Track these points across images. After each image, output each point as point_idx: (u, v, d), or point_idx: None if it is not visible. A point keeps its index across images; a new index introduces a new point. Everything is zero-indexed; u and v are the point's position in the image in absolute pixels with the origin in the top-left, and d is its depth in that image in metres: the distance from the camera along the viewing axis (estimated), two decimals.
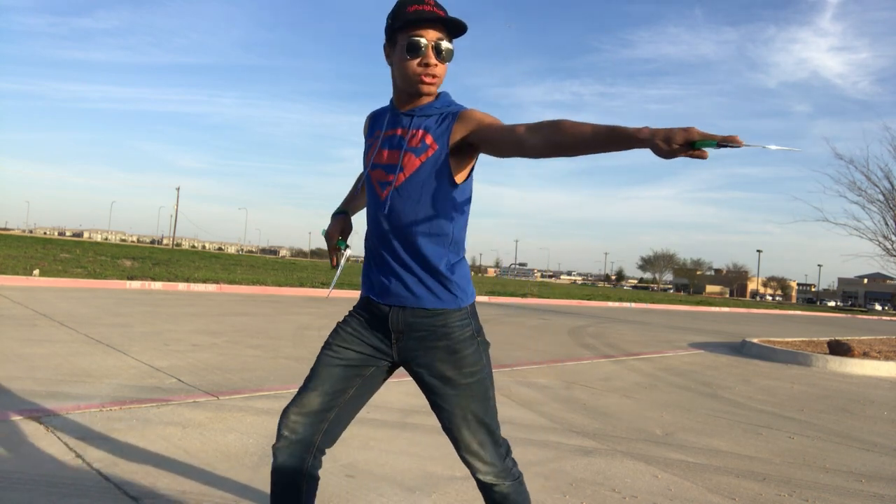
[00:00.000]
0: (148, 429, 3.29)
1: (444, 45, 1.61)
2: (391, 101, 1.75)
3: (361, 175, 1.92)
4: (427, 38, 1.59)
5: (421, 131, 1.63)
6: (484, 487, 1.71)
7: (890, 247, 13.63)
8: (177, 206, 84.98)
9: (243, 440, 3.23)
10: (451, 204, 1.64)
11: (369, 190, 1.70)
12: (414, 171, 1.61)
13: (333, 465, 2.93)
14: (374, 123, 1.77)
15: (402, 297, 1.64)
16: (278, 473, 1.66)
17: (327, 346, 1.71)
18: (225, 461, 2.90)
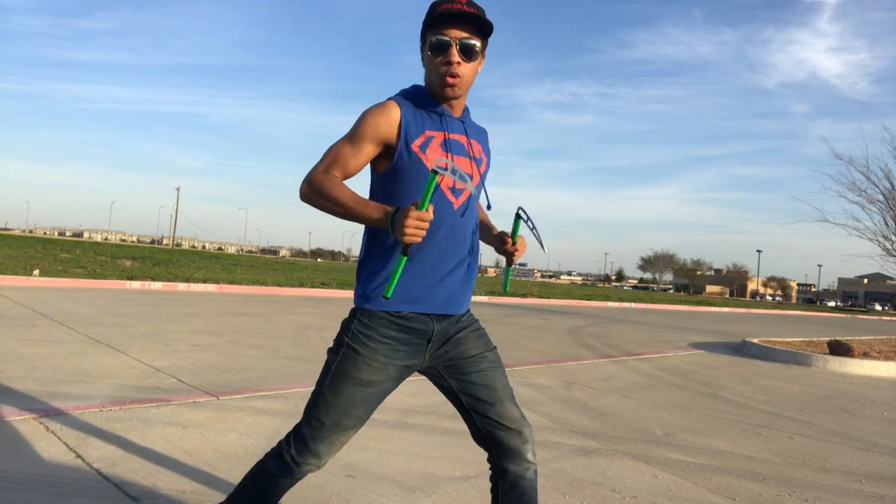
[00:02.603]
0: (148, 429, 3.29)
1: (470, 42, 1.57)
2: (424, 93, 1.68)
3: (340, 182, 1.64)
4: (451, 35, 1.56)
5: (476, 142, 1.73)
6: (520, 475, 1.67)
7: (890, 247, 13.63)
8: (177, 206, 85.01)
9: (243, 440, 3.23)
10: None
11: (435, 195, 1.58)
12: (479, 181, 1.71)
13: (333, 466, 2.93)
14: (415, 116, 1.62)
15: (460, 306, 1.69)
16: (289, 484, 1.68)
17: (362, 383, 1.59)
18: (225, 461, 2.90)
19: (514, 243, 1.81)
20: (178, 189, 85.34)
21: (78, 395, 3.88)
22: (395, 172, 1.61)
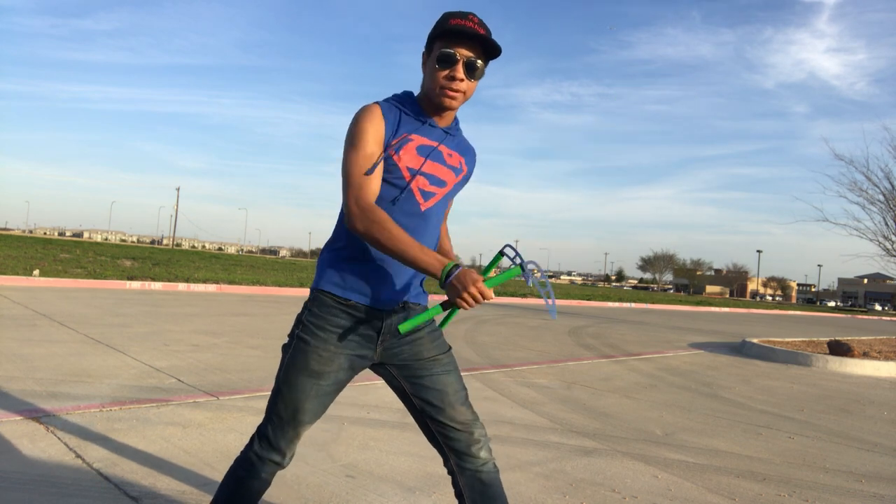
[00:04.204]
0: (148, 429, 3.29)
1: (477, 63, 1.61)
2: (411, 100, 1.71)
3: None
4: (460, 53, 1.60)
5: (457, 154, 1.77)
6: (478, 470, 1.71)
7: (890, 247, 13.63)
8: (177, 206, 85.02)
9: (243, 440, 3.23)
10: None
11: (403, 195, 1.63)
12: (450, 189, 1.75)
13: (333, 466, 2.93)
14: (397, 119, 1.65)
15: (404, 296, 1.72)
16: (262, 485, 1.71)
17: (315, 374, 1.62)
18: (225, 461, 2.90)
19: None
20: (178, 189, 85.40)
21: (78, 395, 3.88)
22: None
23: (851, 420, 5.16)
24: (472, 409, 1.75)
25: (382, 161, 1.62)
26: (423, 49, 1.70)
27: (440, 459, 3.16)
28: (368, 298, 1.66)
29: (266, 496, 2.52)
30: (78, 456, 2.80)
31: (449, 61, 1.60)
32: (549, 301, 1.57)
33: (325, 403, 1.67)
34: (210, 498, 2.47)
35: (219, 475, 2.71)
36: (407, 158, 1.64)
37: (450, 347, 1.80)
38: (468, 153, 1.82)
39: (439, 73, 1.62)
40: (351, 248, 1.67)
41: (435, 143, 1.70)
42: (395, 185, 1.64)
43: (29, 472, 2.56)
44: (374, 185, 1.60)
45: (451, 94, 1.62)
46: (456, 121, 1.79)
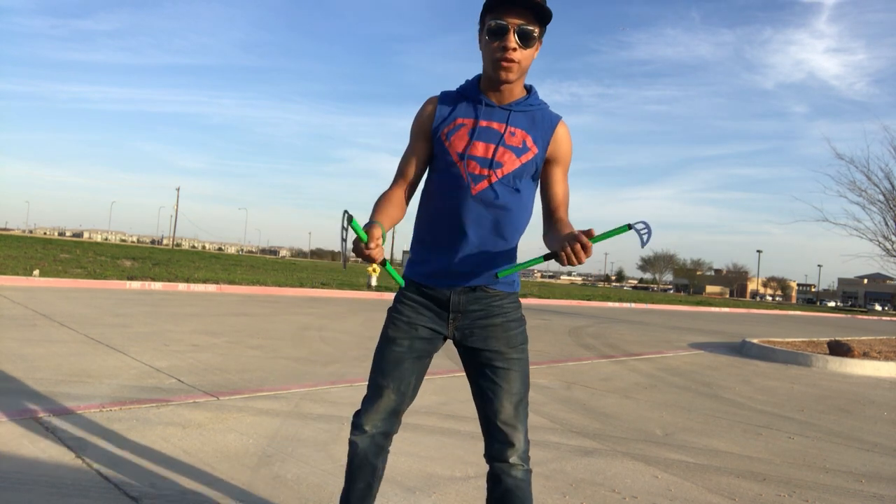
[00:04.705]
0: (148, 429, 3.29)
1: (528, 28, 1.59)
2: (474, 85, 1.73)
3: (393, 192, 1.74)
4: (510, 21, 1.58)
5: (521, 131, 1.69)
6: (502, 472, 1.71)
7: (890, 247, 13.62)
8: (177, 206, 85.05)
9: (243, 440, 3.23)
10: (530, 203, 1.75)
11: (452, 178, 1.67)
12: (514, 169, 1.68)
13: (333, 466, 2.93)
14: (452, 107, 1.71)
15: (470, 279, 1.71)
16: (360, 458, 1.78)
17: (391, 340, 1.74)
18: (225, 461, 2.90)
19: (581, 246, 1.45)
20: (178, 189, 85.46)
21: (78, 395, 3.88)
22: (432, 160, 1.76)
23: (851, 420, 5.15)
24: (521, 413, 1.72)
25: (435, 149, 1.72)
26: (478, 28, 1.69)
27: (441, 460, 3.16)
28: (431, 279, 1.73)
29: (266, 496, 2.53)
30: (78, 456, 2.80)
31: (500, 32, 1.59)
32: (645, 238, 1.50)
33: (404, 374, 1.72)
34: (210, 498, 2.48)
35: (219, 475, 2.72)
36: (457, 143, 1.67)
37: (521, 344, 1.75)
38: (540, 128, 1.71)
39: (492, 46, 1.61)
40: (416, 231, 1.80)
41: (493, 124, 1.68)
42: (447, 172, 1.68)
43: (29, 472, 2.56)
44: (409, 172, 1.75)
45: (507, 65, 1.60)
46: (530, 94, 1.73)
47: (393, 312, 1.77)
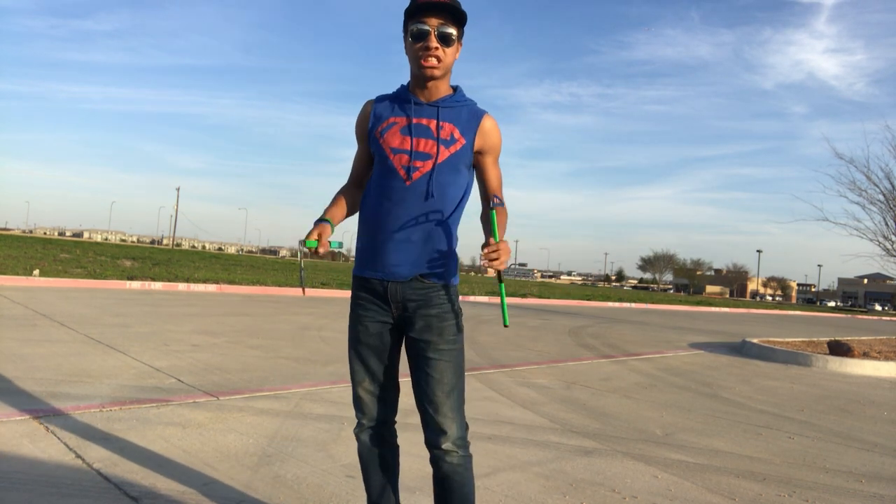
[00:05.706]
0: (148, 429, 3.29)
1: (446, 30, 1.73)
2: (404, 88, 1.86)
3: (346, 188, 1.93)
4: (430, 24, 1.72)
5: (449, 125, 1.81)
6: (439, 458, 1.81)
7: (890, 247, 13.61)
8: (177, 206, 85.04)
9: (243, 440, 3.23)
10: (462, 193, 1.84)
11: (387, 172, 1.79)
12: (444, 160, 1.79)
13: (333, 466, 2.93)
14: (386, 108, 1.85)
15: (406, 269, 1.79)
16: (365, 449, 1.92)
17: (351, 333, 1.88)
18: (225, 461, 2.90)
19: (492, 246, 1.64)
20: (178, 189, 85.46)
21: (78, 395, 3.88)
22: (374, 157, 1.86)
23: (851, 420, 5.16)
24: (453, 402, 1.80)
25: (372, 148, 1.85)
26: (403, 35, 1.82)
27: None
28: (372, 272, 1.83)
29: (266, 496, 2.53)
30: (78, 456, 2.80)
31: (422, 35, 1.73)
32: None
33: (371, 364, 1.85)
34: (210, 498, 2.48)
35: (219, 475, 2.72)
36: (390, 140, 1.80)
37: (454, 336, 1.81)
38: (467, 121, 1.83)
39: (416, 47, 1.75)
40: (358, 226, 1.89)
41: (424, 121, 1.80)
42: (384, 166, 1.80)
43: (29, 472, 2.56)
44: (357, 171, 1.93)
45: (429, 63, 1.73)
46: (456, 93, 1.85)
47: (350, 313, 1.90)
